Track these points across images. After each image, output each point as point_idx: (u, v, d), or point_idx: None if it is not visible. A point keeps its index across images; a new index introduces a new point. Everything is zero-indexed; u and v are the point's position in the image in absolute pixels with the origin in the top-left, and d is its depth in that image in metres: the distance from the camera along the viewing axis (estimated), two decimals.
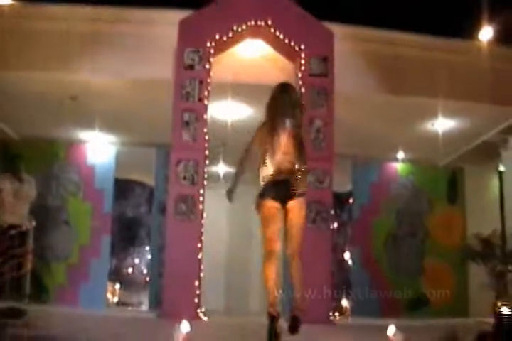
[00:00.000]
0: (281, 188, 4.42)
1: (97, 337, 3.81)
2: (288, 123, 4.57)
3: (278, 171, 4.44)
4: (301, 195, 4.42)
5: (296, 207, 4.44)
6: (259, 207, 4.51)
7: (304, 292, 4.73)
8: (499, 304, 8.76)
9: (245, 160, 4.75)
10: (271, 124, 4.66)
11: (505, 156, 9.67)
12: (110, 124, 9.42)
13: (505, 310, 7.72)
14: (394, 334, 3.70)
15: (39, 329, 4.10)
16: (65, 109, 8.50)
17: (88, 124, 9.33)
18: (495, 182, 10.54)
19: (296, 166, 4.43)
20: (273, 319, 4.12)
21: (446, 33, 8.24)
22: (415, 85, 8.25)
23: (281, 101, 4.70)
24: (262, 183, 4.54)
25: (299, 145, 4.55)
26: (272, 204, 4.43)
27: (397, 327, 3.72)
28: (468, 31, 8.12)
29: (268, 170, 4.51)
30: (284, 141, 4.52)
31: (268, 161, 4.53)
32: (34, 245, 8.00)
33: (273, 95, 4.77)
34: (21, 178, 7.63)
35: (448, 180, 11.18)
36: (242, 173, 4.79)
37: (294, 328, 4.33)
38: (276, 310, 4.22)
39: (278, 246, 4.52)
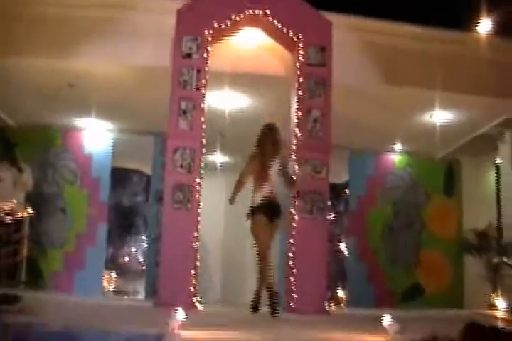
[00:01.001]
0: (268, 210, 6.19)
1: (93, 324, 3.82)
2: (277, 161, 6.28)
3: (267, 198, 6.20)
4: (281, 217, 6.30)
5: (277, 223, 6.29)
6: (253, 221, 6.22)
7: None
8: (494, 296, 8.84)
9: (240, 185, 6.47)
10: (261, 160, 6.30)
11: (502, 149, 9.68)
12: (107, 112, 9.40)
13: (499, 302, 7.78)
14: (389, 325, 3.72)
15: (34, 315, 4.11)
16: (63, 96, 8.48)
17: (85, 112, 9.30)
18: (491, 175, 10.56)
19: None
20: (259, 295, 6.26)
21: (445, 24, 8.20)
22: (413, 77, 8.22)
23: (269, 140, 6.36)
24: (254, 202, 6.25)
25: (288, 180, 6.39)
26: (262, 220, 6.17)
27: (393, 318, 3.74)
28: (467, 23, 8.09)
29: (258, 195, 6.22)
30: (271, 174, 6.23)
31: (259, 188, 6.23)
32: (30, 232, 8.03)
33: (261, 133, 6.44)
34: (20, 167, 7.64)
35: (445, 172, 11.19)
36: (240, 189, 6.46)
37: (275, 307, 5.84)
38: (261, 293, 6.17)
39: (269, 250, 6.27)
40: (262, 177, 6.27)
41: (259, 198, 6.23)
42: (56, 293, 8.68)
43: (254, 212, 6.24)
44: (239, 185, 6.49)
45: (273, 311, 5.85)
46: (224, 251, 12.51)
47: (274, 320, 5.74)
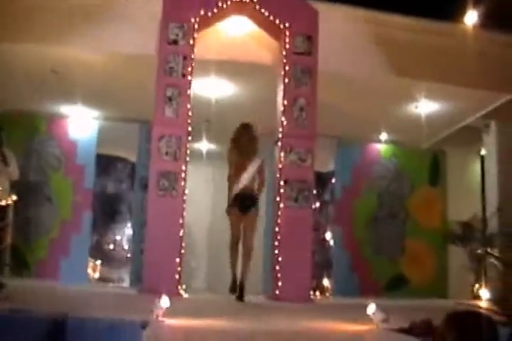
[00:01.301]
0: (241, 203, 6.59)
1: (78, 311, 3.82)
2: (256, 160, 6.75)
3: (241, 191, 6.61)
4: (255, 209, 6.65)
5: (250, 215, 6.62)
6: (228, 213, 6.67)
7: (247, 272, 6.55)
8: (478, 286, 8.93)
9: (233, 178, 6.73)
10: (238, 155, 6.77)
11: (487, 140, 9.74)
12: (93, 99, 9.34)
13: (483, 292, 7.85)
14: (374, 313, 3.75)
15: (19, 302, 4.10)
16: (48, 83, 8.40)
17: (71, 99, 9.23)
18: (476, 166, 10.64)
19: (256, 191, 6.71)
20: (235, 279, 6.63)
21: (433, 15, 8.21)
22: (400, 67, 8.23)
23: (245, 137, 6.84)
24: (231, 195, 6.64)
25: (260, 175, 6.77)
26: (236, 212, 6.61)
27: (377, 307, 3.77)
28: (454, 14, 8.08)
29: (235, 188, 6.63)
30: (247, 169, 6.66)
31: (236, 181, 6.65)
32: (14, 219, 7.97)
33: (236, 131, 6.90)
34: (4, 155, 7.57)
35: (430, 162, 11.24)
36: (233, 184, 6.70)
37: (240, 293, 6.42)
38: (237, 277, 6.61)
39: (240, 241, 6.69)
40: (238, 171, 6.71)
41: (234, 191, 6.67)
42: (41, 281, 8.66)
43: (229, 204, 6.70)
44: (230, 182, 6.80)
45: (239, 297, 6.42)
46: (210, 239, 12.52)
47: (259, 308, 5.77)
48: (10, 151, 7.83)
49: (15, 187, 7.86)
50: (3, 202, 7.57)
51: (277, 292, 6.74)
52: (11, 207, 7.71)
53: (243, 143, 6.83)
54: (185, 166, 6.81)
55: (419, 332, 3.33)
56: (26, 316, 3.62)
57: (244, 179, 6.65)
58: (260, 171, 6.77)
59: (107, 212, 12.06)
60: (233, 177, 6.72)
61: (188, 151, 6.91)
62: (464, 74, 8.35)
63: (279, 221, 6.96)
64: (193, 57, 7.03)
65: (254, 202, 6.67)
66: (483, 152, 10.02)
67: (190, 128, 6.91)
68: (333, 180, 11.27)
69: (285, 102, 7.17)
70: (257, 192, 6.74)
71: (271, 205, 7.90)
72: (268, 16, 7.29)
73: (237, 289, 6.47)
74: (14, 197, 7.69)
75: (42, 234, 9.43)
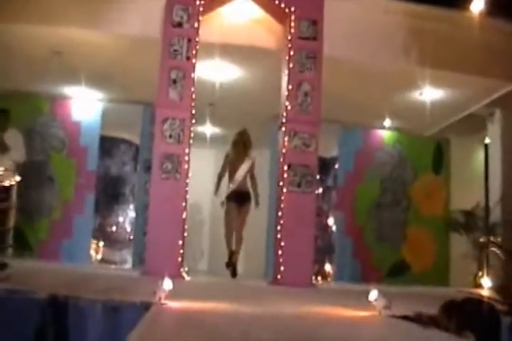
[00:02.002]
0: (237, 198, 8.02)
1: (80, 292, 3.83)
2: (247, 160, 8.12)
3: (236, 188, 8.03)
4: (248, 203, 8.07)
5: (244, 209, 8.06)
6: (225, 205, 8.12)
7: (239, 252, 8.11)
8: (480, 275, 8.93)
9: (222, 177, 8.33)
10: (234, 158, 8.19)
11: (491, 129, 9.70)
12: (97, 81, 9.31)
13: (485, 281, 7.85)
14: (376, 299, 3.75)
15: (20, 283, 4.11)
16: (51, 64, 8.37)
17: (74, 80, 9.21)
18: (480, 154, 10.60)
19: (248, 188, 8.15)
20: (232, 252, 8.01)
21: (439, 2, 8.14)
22: (405, 53, 8.17)
23: (240, 142, 8.22)
24: (228, 191, 8.09)
25: (251, 172, 8.20)
26: (231, 206, 8.05)
27: (379, 293, 3.77)
28: (461, 2, 8.01)
29: (231, 186, 8.07)
30: (243, 169, 8.08)
31: (231, 180, 8.10)
32: (18, 200, 7.98)
33: (234, 138, 8.29)
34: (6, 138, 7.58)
35: (433, 150, 11.20)
36: (220, 182, 8.32)
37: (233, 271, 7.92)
38: (232, 249, 8.05)
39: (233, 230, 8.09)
40: (234, 171, 8.12)
41: (231, 188, 8.08)
42: (43, 262, 8.69)
43: (226, 199, 8.12)
44: (219, 179, 8.34)
45: (233, 274, 7.92)
46: (212, 222, 12.55)
47: (260, 292, 5.79)
48: (19, 133, 7.82)
49: (18, 168, 7.87)
50: (7, 183, 7.59)
51: (279, 276, 6.76)
52: (15, 188, 7.72)
53: (239, 148, 8.22)
54: (189, 149, 6.80)
55: (426, 321, 3.32)
56: (27, 297, 3.63)
57: (239, 177, 8.04)
58: (251, 170, 8.17)
59: (110, 193, 12.06)
60: (224, 175, 8.26)
61: (192, 134, 6.89)
62: (469, 62, 8.30)
63: (281, 206, 6.96)
64: (197, 40, 6.99)
65: (248, 197, 8.08)
66: (487, 140, 9.98)
67: (194, 112, 6.89)
68: (336, 166, 11.24)
69: (289, 87, 7.13)
70: (249, 189, 8.13)
71: (274, 190, 7.93)
72: (273, 0, 7.23)
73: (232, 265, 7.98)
74: (17, 178, 7.70)
75: (44, 216, 9.44)
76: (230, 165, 8.22)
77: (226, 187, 8.23)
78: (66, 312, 3.55)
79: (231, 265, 8.02)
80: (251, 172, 8.20)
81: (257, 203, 8.20)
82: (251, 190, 8.18)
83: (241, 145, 8.21)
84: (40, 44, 7.92)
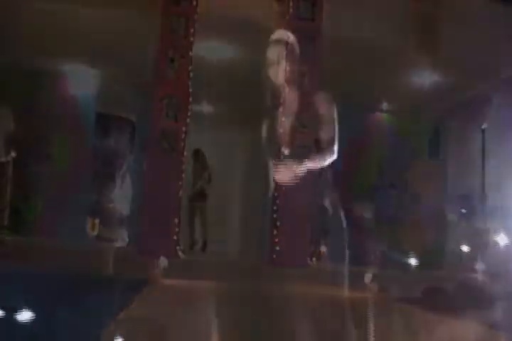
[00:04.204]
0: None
1: (76, 269, 3.86)
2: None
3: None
4: None
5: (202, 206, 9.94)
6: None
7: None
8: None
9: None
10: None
11: (488, 114, 9.66)
12: (95, 57, 9.24)
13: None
14: (371, 282, 3.78)
15: (18, 259, 4.13)
16: (50, 40, 8.30)
17: (72, 57, 9.14)
18: (477, 139, 10.56)
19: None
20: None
21: None
22: (403, 36, 8.13)
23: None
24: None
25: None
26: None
27: (374, 276, 3.79)
28: None
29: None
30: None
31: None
32: (13, 177, 7.96)
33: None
34: None
35: (431, 134, 11.17)
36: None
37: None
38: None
39: None
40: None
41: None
42: (40, 238, 8.71)
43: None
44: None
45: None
46: (209, 201, 12.53)
47: (255, 272, 5.81)
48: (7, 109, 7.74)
49: (13, 144, 7.83)
50: (3, 159, 7.55)
51: (274, 256, 6.78)
52: (10, 164, 7.69)
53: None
54: (186, 127, 6.78)
55: (429, 301, 3.32)
56: (25, 273, 3.65)
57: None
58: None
59: (107, 171, 12.03)
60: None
61: (189, 113, 6.87)
62: (467, 46, 8.25)
63: (277, 186, 6.94)
64: (195, 17, 6.93)
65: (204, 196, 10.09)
66: (484, 126, 9.95)
67: (190, 90, 6.85)
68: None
69: (287, 67, 7.07)
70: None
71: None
72: None
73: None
74: (13, 154, 7.66)
75: (40, 192, 9.44)
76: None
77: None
78: (63, 287, 3.57)
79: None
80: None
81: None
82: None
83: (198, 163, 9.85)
84: (40, 20, 7.81)
